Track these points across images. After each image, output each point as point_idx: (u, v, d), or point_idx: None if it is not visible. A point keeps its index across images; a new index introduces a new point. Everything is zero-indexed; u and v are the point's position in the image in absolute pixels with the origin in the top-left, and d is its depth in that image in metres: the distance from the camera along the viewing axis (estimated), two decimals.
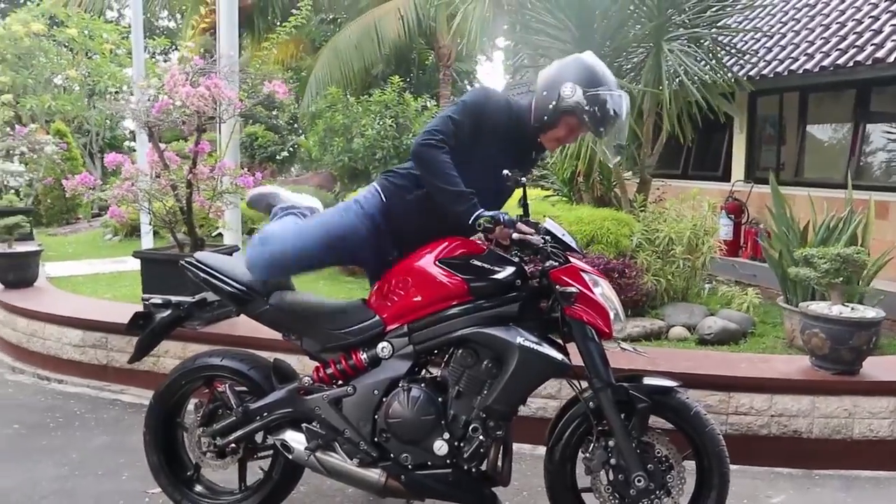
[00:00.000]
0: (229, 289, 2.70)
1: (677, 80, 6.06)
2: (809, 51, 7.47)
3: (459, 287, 2.49)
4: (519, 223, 2.48)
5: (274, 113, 19.25)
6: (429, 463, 2.53)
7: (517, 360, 2.41)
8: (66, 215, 14.12)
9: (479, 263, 2.50)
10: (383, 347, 2.57)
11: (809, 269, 3.85)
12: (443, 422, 2.51)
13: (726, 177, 9.17)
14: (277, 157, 16.73)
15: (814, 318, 3.77)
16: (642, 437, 2.54)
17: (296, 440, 2.65)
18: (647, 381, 2.57)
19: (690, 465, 2.56)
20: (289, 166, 18.87)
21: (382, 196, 2.69)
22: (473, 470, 2.53)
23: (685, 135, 6.34)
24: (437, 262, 2.53)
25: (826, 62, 7.04)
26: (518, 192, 2.62)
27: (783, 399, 3.71)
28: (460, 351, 2.50)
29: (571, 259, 2.53)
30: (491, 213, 2.42)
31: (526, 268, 2.55)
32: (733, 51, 7.06)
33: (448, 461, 2.51)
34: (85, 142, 17.30)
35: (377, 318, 2.60)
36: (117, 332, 4.66)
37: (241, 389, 2.77)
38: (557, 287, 2.46)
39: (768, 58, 7.92)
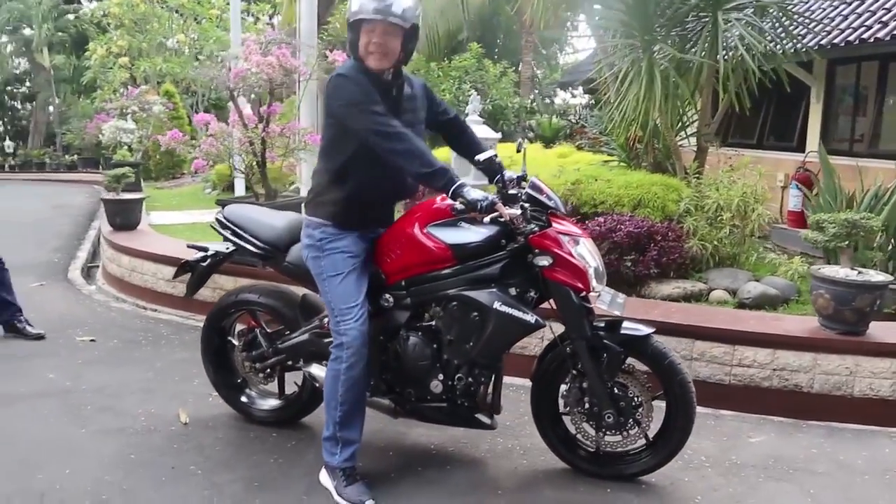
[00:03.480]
0: (251, 247, 3.14)
1: (738, 52, 6.13)
2: (885, 18, 7.28)
3: (445, 253, 2.77)
4: (497, 204, 2.62)
5: None
6: (428, 397, 2.91)
7: (494, 323, 2.72)
8: (173, 170, 15.26)
9: (466, 226, 2.77)
10: (385, 298, 2.90)
11: (819, 234, 4.04)
12: (438, 364, 2.86)
13: (801, 147, 9.02)
14: None
15: (820, 280, 3.97)
16: (617, 378, 2.85)
17: (321, 372, 3.08)
18: (626, 326, 2.83)
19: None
20: None
21: (326, 220, 2.82)
22: (466, 404, 2.90)
23: (743, 106, 6.41)
24: (425, 230, 2.81)
25: None
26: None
27: (786, 354, 3.95)
28: (451, 304, 2.80)
29: (553, 221, 2.76)
30: (471, 196, 2.58)
31: (511, 227, 2.76)
32: (801, 19, 6.98)
33: (444, 396, 2.89)
34: (191, 102, 18.53)
35: (379, 272, 2.90)
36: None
37: (272, 331, 3.29)
38: (535, 251, 2.72)
39: (842, 26, 7.75)
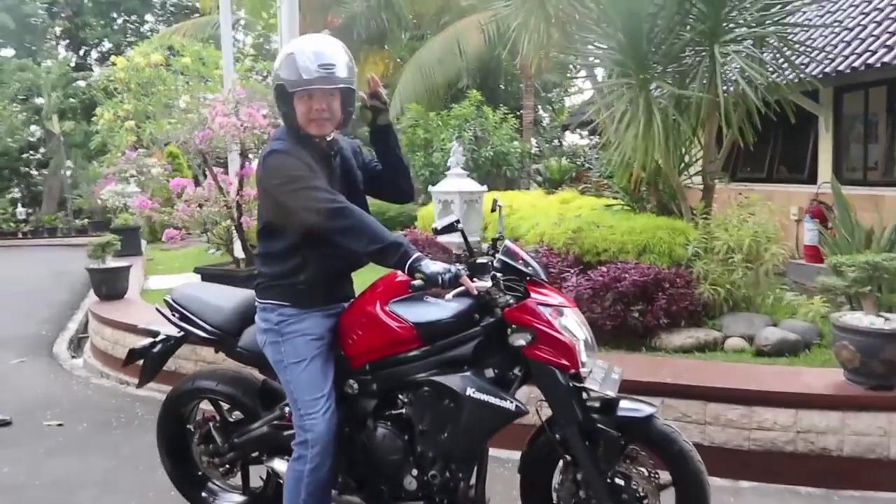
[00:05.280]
0: (200, 333, 2.88)
1: (739, 86, 5.88)
2: (889, 42, 7.01)
3: (408, 333, 2.47)
4: (462, 276, 2.35)
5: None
6: (402, 494, 2.57)
7: (466, 412, 2.40)
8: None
9: (433, 301, 2.47)
10: (350, 385, 2.60)
11: (838, 279, 3.68)
12: (411, 458, 2.54)
13: (813, 179, 8.70)
14: None
15: (842, 330, 3.60)
16: (616, 468, 2.47)
17: (284, 467, 2.72)
18: (624, 406, 2.46)
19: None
20: None
21: (282, 302, 2.57)
22: (446, 501, 2.54)
23: (747, 140, 6.12)
24: (385, 307, 2.51)
25: None
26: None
27: (809, 414, 3.57)
28: (422, 390, 2.49)
29: (532, 291, 2.45)
30: (430, 269, 2.30)
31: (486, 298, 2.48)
32: (802, 48, 6.72)
33: (420, 493, 2.55)
34: (199, 162, 18.57)
35: (342, 355, 2.60)
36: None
37: (233, 420, 3.01)
38: (512, 328, 2.41)
39: (846, 52, 7.48)
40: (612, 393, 2.44)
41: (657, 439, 2.46)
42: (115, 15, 26.22)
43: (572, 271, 5.59)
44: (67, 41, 27.01)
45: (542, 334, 2.38)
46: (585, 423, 2.43)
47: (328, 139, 2.56)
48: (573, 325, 2.44)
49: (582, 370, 2.43)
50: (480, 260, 2.50)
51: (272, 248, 2.57)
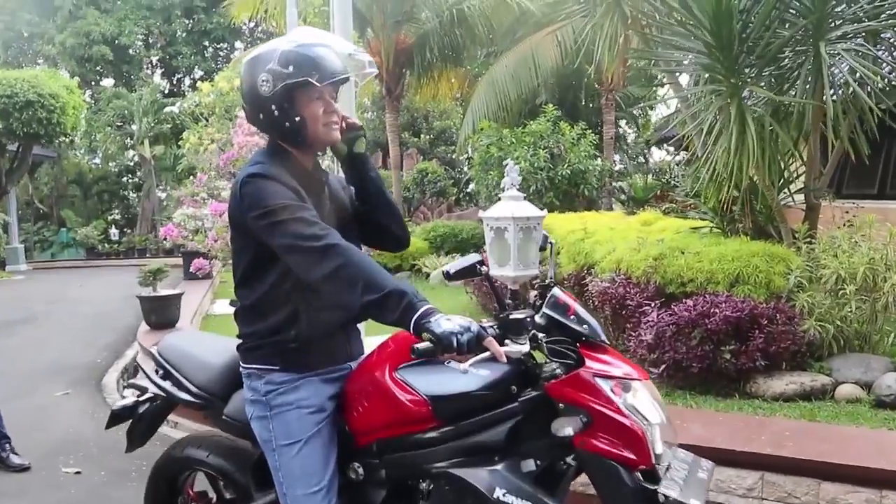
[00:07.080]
0: (183, 395, 2.41)
1: (850, 89, 5.08)
2: None
3: (422, 409, 1.92)
4: (488, 338, 1.79)
5: (452, 148, 19.58)
6: None
7: None
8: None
9: (455, 367, 1.88)
10: (354, 468, 2.08)
11: None
12: None
13: None
14: (447, 191, 16.94)
15: None
16: None
17: None
18: None
19: None
20: (468, 201, 19.00)
21: (270, 366, 2.08)
22: None
23: (860, 152, 5.29)
24: (394, 373, 1.97)
25: None
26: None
27: None
28: (440, 483, 1.94)
29: (587, 357, 1.86)
30: (442, 328, 1.72)
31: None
32: None
33: None
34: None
35: (345, 430, 2.09)
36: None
37: (225, 499, 2.57)
38: (560, 407, 1.83)
39: None
40: (698, 501, 1.76)
41: None
42: (205, 43, 27.11)
43: (653, 304, 4.95)
44: (162, 70, 28.14)
45: (599, 417, 1.78)
46: None
47: (315, 162, 2.13)
48: (644, 404, 1.82)
49: (656, 467, 1.80)
50: (516, 315, 1.92)
51: (254, 300, 2.06)
